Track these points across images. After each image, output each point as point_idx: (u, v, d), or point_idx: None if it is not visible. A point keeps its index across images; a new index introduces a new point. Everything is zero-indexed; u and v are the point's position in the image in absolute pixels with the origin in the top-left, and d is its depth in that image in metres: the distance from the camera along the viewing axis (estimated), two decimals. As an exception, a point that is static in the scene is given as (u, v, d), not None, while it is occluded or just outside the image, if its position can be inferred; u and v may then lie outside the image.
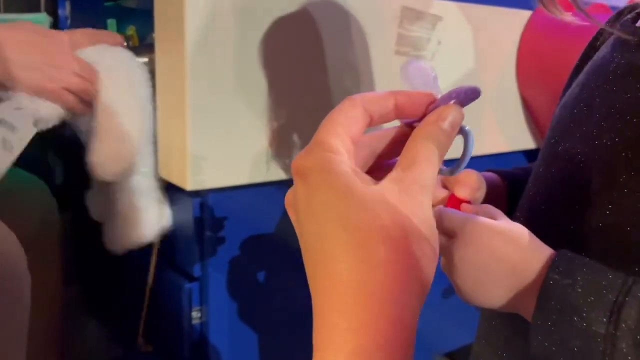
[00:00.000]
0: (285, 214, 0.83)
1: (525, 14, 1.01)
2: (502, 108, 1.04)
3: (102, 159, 0.72)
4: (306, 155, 0.27)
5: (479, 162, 0.49)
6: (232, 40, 0.71)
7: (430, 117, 0.28)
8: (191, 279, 0.80)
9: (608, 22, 0.46)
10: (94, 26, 1.00)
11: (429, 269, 0.25)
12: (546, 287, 0.34)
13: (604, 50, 0.45)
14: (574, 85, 0.47)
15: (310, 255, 0.26)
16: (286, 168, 0.79)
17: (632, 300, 0.31)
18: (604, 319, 0.31)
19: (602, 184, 0.38)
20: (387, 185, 0.26)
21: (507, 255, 0.35)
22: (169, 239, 0.83)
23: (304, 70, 0.78)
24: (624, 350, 0.30)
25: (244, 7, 0.71)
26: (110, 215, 0.81)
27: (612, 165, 0.38)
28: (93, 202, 0.87)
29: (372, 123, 0.28)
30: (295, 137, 0.79)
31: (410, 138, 0.28)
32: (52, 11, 1.23)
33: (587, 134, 0.40)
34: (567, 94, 0.47)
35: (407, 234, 0.24)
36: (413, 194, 0.25)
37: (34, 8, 1.21)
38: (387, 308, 0.23)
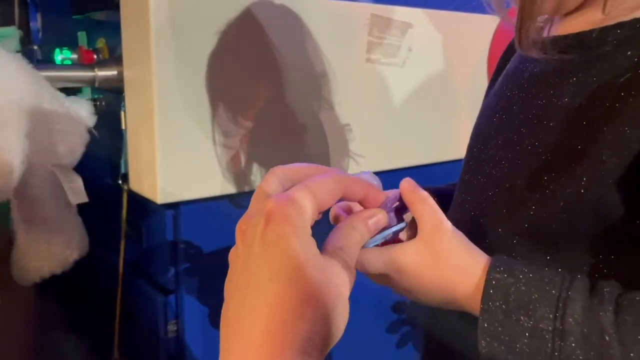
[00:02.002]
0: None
1: (495, 19, 1.03)
2: (474, 112, 1.05)
3: None
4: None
5: (457, 167, 0.50)
6: (200, 55, 0.71)
7: (362, 213, 0.32)
8: (166, 292, 0.80)
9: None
10: (64, 39, 1.00)
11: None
12: (489, 287, 0.34)
13: (516, 60, 0.46)
14: (490, 94, 0.48)
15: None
16: (254, 179, 0.79)
17: (575, 295, 0.32)
18: (550, 315, 0.32)
19: (526, 186, 0.39)
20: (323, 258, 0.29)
21: (442, 276, 0.35)
22: (143, 252, 0.83)
23: (272, 82, 0.79)
24: (573, 345, 0.31)
25: (211, 22, 0.71)
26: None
27: (534, 168, 0.39)
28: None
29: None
30: (263, 148, 0.79)
31: (343, 222, 0.32)
32: (25, 23, 1.22)
33: (508, 141, 0.41)
34: (485, 103, 0.48)
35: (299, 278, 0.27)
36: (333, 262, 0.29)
37: (7, 20, 1.21)
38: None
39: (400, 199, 0.36)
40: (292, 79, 0.80)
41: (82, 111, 0.78)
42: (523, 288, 0.33)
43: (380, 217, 0.32)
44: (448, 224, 0.35)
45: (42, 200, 0.74)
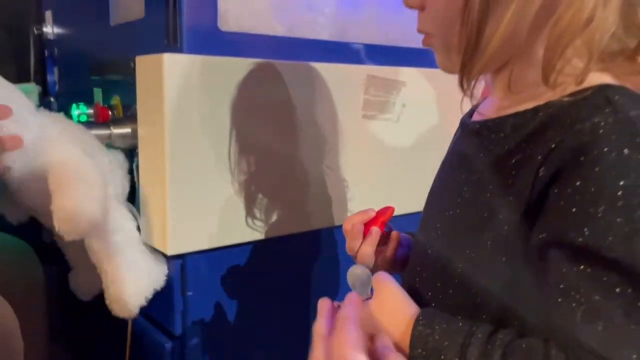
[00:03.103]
0: (260, 273, 0.87)
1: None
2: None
3: (60, 218, 0.68)
4: None
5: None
6: (208, 114, 0.77)
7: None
8: (173, 337, 0.84)
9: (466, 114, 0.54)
10: (80, 93, 1.07)
11: None
12: (413, 337, 0.42)
13: (456, 135, 0.54)
14: (441, 163, 0.56)
15: None
16: (258, 230, 0.84)
17: (474, 341, 0.39)
18: (456, 359, 0.39)
19: (452, 249, 0.46)
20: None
21: (386, 321, 0.44)
22: (152, 298, 0.87)
23: (275, 139, 0.84)
24: None
25: (220, 85, 0.77)
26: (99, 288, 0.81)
27: (456, 234, 0.46)
28: (77, 283, 0.88)
29: None
30: (266, 203, 0.85)
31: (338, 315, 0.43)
32: (42, 76, 1.29)
33: (442, 209, 0.48)
34: (438, 170, 0.56)
35: None
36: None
37: (23, 75, 1.28)
38: None
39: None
40: (295, 135, 0.86)
41: (120, 157, 0.85)
42: (437, 337, 0.41)
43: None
44: (390, 281, 0.45)
45: (124, 229, 0.80)
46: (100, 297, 0.88)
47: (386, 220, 0.59)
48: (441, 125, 1.03)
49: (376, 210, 0.59)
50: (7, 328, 0.66)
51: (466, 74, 0.43)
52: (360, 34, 0.97)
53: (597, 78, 0.41)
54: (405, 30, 0.99)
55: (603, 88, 0.40)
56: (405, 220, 1.01)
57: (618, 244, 0.34)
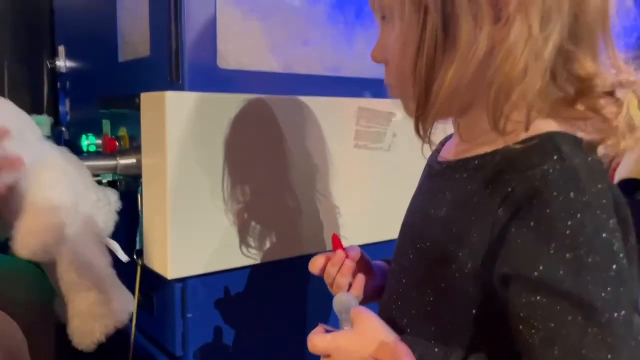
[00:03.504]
0: (256, 295, 0.92)
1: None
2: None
3: (20, 234, 0.72)
4: None
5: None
6: (207, 146, 0.83)
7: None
8: (173, 357, 0.88)
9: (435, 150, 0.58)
10: (90, 123, 1.13)
11: None
12: None
13: (424, 173, 0.59)
14: (412, 197, 0.60)
15: None
16: (254, 255, 0.89)
17: None
18: None
19: (424, 278, 0.50)
20: None
21: (363, 350, 0.46)
22: (154, 319, 0.92)
23: (270, 168, 0.90)
24: None
25: (217, 117, 0.83)
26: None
27: (427, 265, 0.50)
28: (59, 305, 0.91)
29: None
30: (261, 229, 0.90)
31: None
32: (54, 107, 1.36)
33: (413, 240, 0.52)
34: (409, 204, 0.59)
35: None
36: None
37: (37, 105, 1.35)
38: None
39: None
40: (290, 165, 0.91)
41: (111, 195, 0.90)
42: None
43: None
44: (370, 313, 0.48)
45: (94, 264, 0.84)
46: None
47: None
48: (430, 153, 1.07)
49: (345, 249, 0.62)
50: (16, 347, 0.70)
51: (421, 122, 0.48)
52: (352, 68, 1.02)
53: (544, 124, 0.45)
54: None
55: (550, 136, 0.44)
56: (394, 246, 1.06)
57: (568, 277, 0.39)
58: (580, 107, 0.45)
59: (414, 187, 1.08)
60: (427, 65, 0.44)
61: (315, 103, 0.93)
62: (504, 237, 0.42)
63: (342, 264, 0.59)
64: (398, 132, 1.03)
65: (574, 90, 0.45)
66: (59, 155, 0.84)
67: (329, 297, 0.63)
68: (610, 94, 0.44)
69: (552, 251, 0.40)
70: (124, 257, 0.88)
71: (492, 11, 0.42)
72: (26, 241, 0.73)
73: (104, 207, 0.88)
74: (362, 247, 1.01)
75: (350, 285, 0.60)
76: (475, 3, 0.42)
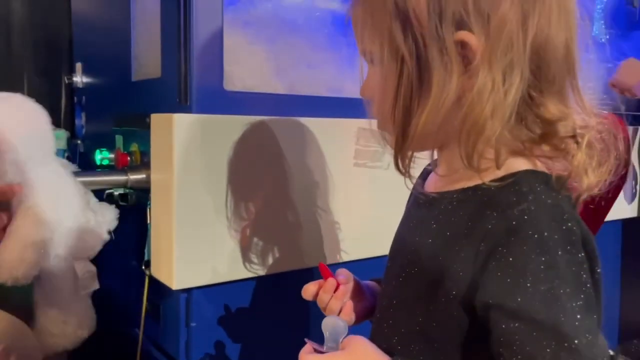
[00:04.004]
0: (257, 306, 0.96)
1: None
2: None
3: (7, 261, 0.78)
4: None
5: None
6: (212, 164, 0.87)
7: None
8: (177, 364, 0.93)
9: (419, 176, 0.61)
10: (104, 137, 1.18)
11: None
12: None
13: (411, 199, 0.62)
14: (401, 220, 0.63)
15: None
16: (256, 267, 0.93)
17: None
18: None
19: (413, 299, 0.54)
20: None
21: None
22: (160, 328, 0.96)
23: (272, 185, 0.94)
24: None
25: (222, 138, 0.88)
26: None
27: (415, 288, 0.53)
28: None
29: None
30: (263, 243, 0.94)
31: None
32: (70, 121, 1.42)
33: (402, 263, 0.56)
34: (400, 224, 0.63)
35: None
36: None
37: (55, 118, 1.41)
38: None
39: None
40: (292, 182, 0.96)
41: (108, 214, 0.95)
42: None
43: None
44: (361, 337, 0.51)
45: (62, 289, 0.89)
46: (109, 330, 0.98)
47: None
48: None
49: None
50: (29, 351, 0.75)
51: (400, 158, 0.52)
52: (353, 90, 1.07)
53: (516, 162, 0.50)
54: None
55: (525, 175, 0.49)
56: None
57: (543, 308, 0.44)
58: (545, 147, 0.49)
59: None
60: (403, 108, 0.49)
61: (317, 124, 0.97)
62: (485, 268, 0.47)
63: (335, 290, 0.63)
64: (397, 151, 1.07)
65: (540, 131, 0.49)
66: (55, 177, 0.89)
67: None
68: (573, 136, 0.48)
69: (528, 284, 0.44)
70: (90, 285, 0.95)
71: (460, 63, 0.47)
72: (8, 268, 0.78)
73: (94, 229, 0.93)
74: (361, 261, 1.06)
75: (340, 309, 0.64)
76: (446, 54, 0.46)
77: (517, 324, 0.44)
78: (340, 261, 1.03)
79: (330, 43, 1.06)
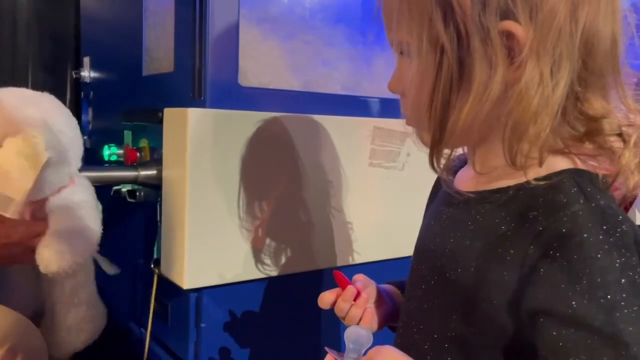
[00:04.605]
0: (268, 308, 0.94)
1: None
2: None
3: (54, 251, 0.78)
4: None
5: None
6: (226, 161, 0.85)
7: None
8: (185, 365, 0.90)
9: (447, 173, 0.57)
10: (112, 133, 1.16)
11: None
12: None
13: (439, 200, 0.58)
14: (426, 219, 0.60)
15: None
16: (268, 268, 0.91)
17: None
18: None
19: (447, 305, 0.51)
20: None
21: None
22: (168, 328, 0.94)
23: (286, 183, 0.92)
24: None
25: (236, 134, 0.86)
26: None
27: (450, 292, 0.50)
28: None
29: None
30: (275, 243, 0.92)
31: None
32: (76, 116, 1.40)
33: (433, 267, 0.53)
34: (424, 223, 0.60)
35: None
36: None
37: (60, 113, 1.39)
38: None
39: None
40: (305, 181, 0.93)
41: None
42: None
43: None
44: (390, 347, 0.48)
45: (85, 284, 0.87)
46: (117, 330, 0.95)
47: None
48: (444, 174, 1.09)
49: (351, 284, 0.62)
50: (36, 351, 0.73)
51: (435, 155, 0.50)
52: (369, 89, 1.05)
53: (558, 161, 0.47)
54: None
55: (573, 174, 0.46)
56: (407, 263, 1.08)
57: (600, 315, 0.41)
58: (589, 145, 0.47)
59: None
60: (442, 103, 0.46)
61: (332, 122, 0.95)
62: (535, 273, 0.44)
63: (355, 298, 0.61)
64: (412, 152, 1.05)
65: (584, 128, 0.47)
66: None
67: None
68: (619, 134, 0.46)
69: (584, 290, 0.42)
70: (112, 270, 0.94)
71: (506, 55, 0.45)
72: (59, 258, 0.78)
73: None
74: (374, 263, 1.04)
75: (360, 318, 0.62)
76: (490, 46, 0.44)
77: (570, 331, 0.42)
78: (353, 263, 1.01)
79: (347, 41, 1.04)
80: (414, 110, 0.51)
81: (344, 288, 0.61)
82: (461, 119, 0.46)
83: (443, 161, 0.50)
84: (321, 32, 1.01)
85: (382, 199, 1.04)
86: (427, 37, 0.46)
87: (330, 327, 1.02)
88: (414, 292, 0.57)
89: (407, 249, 1.09)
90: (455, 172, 0.59)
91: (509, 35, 0.44)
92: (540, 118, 0.44)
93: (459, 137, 0.47)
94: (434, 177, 1.11)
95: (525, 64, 0.44)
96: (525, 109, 0.44)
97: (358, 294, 0.61)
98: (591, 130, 0.47)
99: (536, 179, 0.47)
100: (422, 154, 1.05)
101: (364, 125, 0.99)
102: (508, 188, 0.49)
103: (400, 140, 1.03)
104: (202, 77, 0.86)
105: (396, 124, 1.02)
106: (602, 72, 0.46)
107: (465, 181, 0.55)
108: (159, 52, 1.02)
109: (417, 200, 1.11)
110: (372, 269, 0.97)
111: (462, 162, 0.58)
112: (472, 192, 0.52)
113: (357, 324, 0.61)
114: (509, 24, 0.44)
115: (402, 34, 0.49)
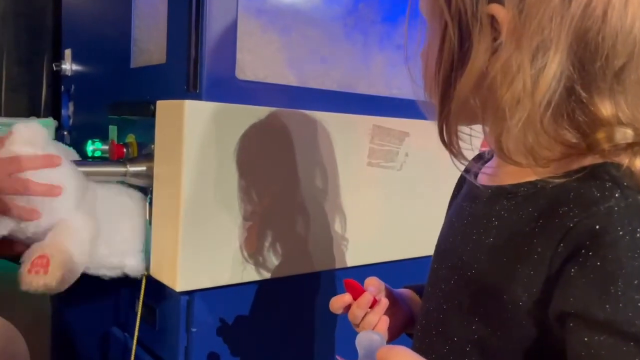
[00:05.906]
0: (263, 312, 0.90)
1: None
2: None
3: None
4: None
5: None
6: (223, 157, 0.81)
7: None
8: (175, 372, 0.85)
9: (472, 160, 0.55)
10: (95, 128, 1.11)
11: None
12: None
13: (462, 195, 0.56)
14: (448, 217, 0.58)
15: None
16: (263, 270, 0.87)
17: None
18: None
19: (470, 305, 0.48)
20: None
21: None
22: (155, 333, 0.89)
23: (283, 183, 0.88)
24: None
25: (234, 128, 0.82)
26: None
27: (473, 292, 0.48)
28: None
29: None
30: (271, 244, 0.88)
31: None
32: (54, 110, 1.34)
33: (454, 266, 0.51)
34: (446, 221, 0.58)
35: None
36: None
37: (35, 107, 1.32)
38: None
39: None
40: (302, 180, 0.90)
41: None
42: None
43: None
44: (402, 348, 0.45)
45: None
46: (103, 333, 0.90)
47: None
48: (441, 174, 1.07)
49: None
50: (20, 355, 0.68)
51: (445, 128, 0.48)
52: (368, 86, 1.02)
53: (590, 157, 0.44)
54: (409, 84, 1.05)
55: (607, 167, 0.43)
56: (412, 264, 1.05)
57: (637, 319, 0.38)
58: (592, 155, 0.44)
59: (424, 207, 1.07)
60: (444, 76, 0.47)
61: (330, 119, 0.92)
62: (564, 273, 0.41)
63: (371, 306, 0.57)
64: (411, 152, 1.02)
65: (592, 133, 0.44)
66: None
67: (335, 315, 0.62)
68: (631, 144, 0.43)
69: (619, 292, 0.39)
70: None
71: (489, 37, 0.44)
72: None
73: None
74: (371, 266, 1.01)
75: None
76: (479, 28, 0.44)
77: (603, 337, 0.39)
78: (350, 266, 0.98)
79: (346, 38, 1.01)
80: (425, 79, 0.51)
81: (356, 296, 0.57)
82: (456, 95, 0.46)
83: (454, 138, 0.48)
84: (320, 28, 0.98)
85: (379, 200, 1.01)
86: (435, 12, 0.47)
87: (326, 332, 0.98)
88: (433, 292, 0.54)
89: (403, 251, 1.07)
90: (483, 164, 0.56)
91: (493, 19, 0.44)
92: (520, 107, 0.42)
93: (458, 112, 0.47)
94: (432, 178, 1.10)
95: (502, 48, 0.43)
96: (501, 95, 0.43)
97: (374, 302, 0.57)
98: (597, 139, 0.43)
99: (567, 172, 0.44)
100: (420, 155, 1.04)
101: (362, 123, 0.97)
102: (535, 182, 0.46)
103: (399, 140, 1.00)
104: (198, 69, 0.82)
105: (396, 123, 1.00)
106: (612, 74, 0.42)
107: (489, 176, 0.52)
108: (149, 43, 0.97)
109: (413, 202, 1.10)
110: (370, 272, 0.94)
111: (492, 156, 0.56)
112: (495, 186, 0.50)
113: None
114: (493, 7, 0.43)
115: (421, 4, 0.51)
